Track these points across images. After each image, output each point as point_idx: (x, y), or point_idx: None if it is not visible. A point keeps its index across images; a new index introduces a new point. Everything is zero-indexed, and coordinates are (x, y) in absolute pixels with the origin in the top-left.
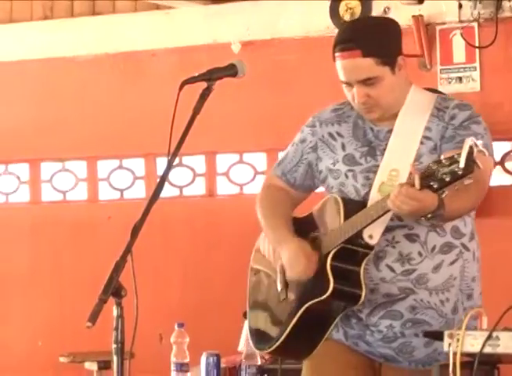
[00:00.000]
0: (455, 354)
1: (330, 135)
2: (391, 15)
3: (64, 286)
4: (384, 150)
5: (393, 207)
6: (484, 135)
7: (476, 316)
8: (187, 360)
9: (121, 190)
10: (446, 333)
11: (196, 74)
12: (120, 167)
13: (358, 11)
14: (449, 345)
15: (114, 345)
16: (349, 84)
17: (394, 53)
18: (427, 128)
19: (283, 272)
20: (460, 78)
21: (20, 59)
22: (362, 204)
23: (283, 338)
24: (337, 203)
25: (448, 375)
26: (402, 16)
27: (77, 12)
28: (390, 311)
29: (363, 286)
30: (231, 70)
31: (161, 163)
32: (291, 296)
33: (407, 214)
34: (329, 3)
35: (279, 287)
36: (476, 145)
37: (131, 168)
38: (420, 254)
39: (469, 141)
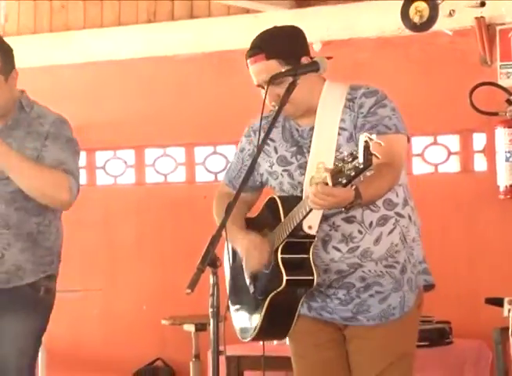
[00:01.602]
0: None
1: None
2: (455, 17)
3: (166, 257)
4: (310, 146)
5: (313, 206)
6: (392, 115)
7: None
8: None
9: (215, 173)
10: (506, 299)
11: (283, 70)
12: (215, 152)
13: (426, 13)
14: (509, 310)
15: (210, 309)
16: (262, 87)
17: (298, 55)
18: (342, 120)
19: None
20: None
21: (127, 57)
22: (298, 199)
23: (258, 327)
24: (276, 202)
25: (508, 337)
26: (466, 18)
27: (177, 16)
28: (343, 283)
29: (314, 271)
30: (314, 66)
31: None
32: (258, 289)
33: (326, 208)
34: (400, 6)
35: (248, 282)
36: (370, 139)
37: (224, 154)
38: (359, 232)
39: (363, 137)
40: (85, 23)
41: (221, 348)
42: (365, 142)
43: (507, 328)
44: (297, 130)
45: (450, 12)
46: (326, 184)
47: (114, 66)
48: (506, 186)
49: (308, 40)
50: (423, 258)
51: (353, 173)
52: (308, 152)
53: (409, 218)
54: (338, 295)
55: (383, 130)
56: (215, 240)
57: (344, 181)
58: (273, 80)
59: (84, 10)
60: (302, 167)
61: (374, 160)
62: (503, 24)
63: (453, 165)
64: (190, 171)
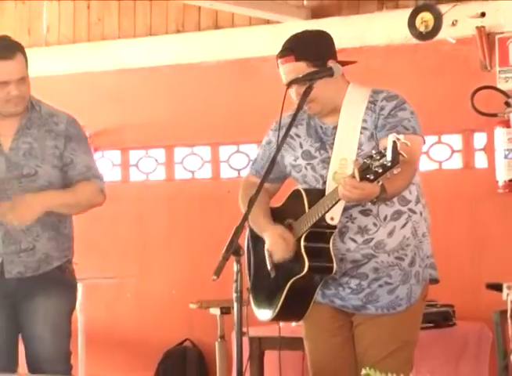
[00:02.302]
0: None
1: (290, 136)
2: (458, 26)
3: (194, 246)
4: (333, 143)
5: (342, 197)
6: (411, 118)
7: None
8: None
9: (238, 170)
10: (505, 285)
11: (301, 75)
12: (238, 151)
13: (431, 24)
14: (508, 295)
15: (234, 294)
16: (290, 86)
17: (325, 57)
18: (364, 120)
19: (270, 254)
20: None
21: (158, 65)
22: (321, 192)
23: (278, 309)
24: (301, 194)
25: (507, 320)
26: (468, 28)
27: (203, 26)
28: (358, 273)
29: (334, 259)
30: (329, 72)
31: None
32: (279, 274)
33: (354, 201)
34: (407, 17)
35: (269, 267)
36: (398, 139)
37: (246, 152)
38: (374, 224)
39: (391, 137)
40: (119, 33)
41: (244, 329)
42: (394, 142)
43: (506, 311)
44: (321, 127)
45: (453, 22)
46: (354, 178)
47: (146, 72)
48: (505, 181)
49: None
50: (431, 253)
51: (381, 170)
52: (331, 148)
53: (421, 214)
54: (350, 285)
55: (402, 131)
56: (239, 230)
57: (372, 177)
58: (292, 84)
59: (119, 22)
60: (325, 161)
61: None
62: (502, 33)
63: (456, 162)
64: (215, 168)
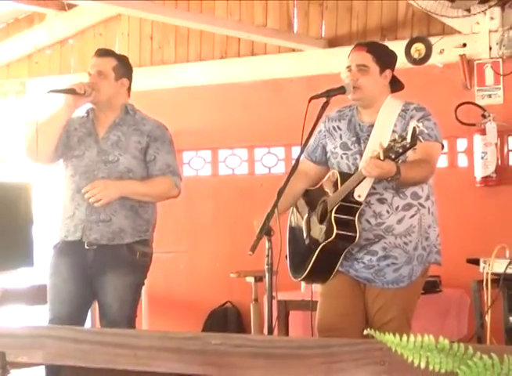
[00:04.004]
0: (487, 273)
1: (333, 128)
2: (444, 54)
3: (234, 229)
4: (366, 139)
5: (365, 173)
6: (434, 127)
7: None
8: None
9: (269, 168)
10: (481, 260)
11: (319, 92)
12: (269, 152)
13: (423, 52)
14: (483, 267)
15: (266, 266)
16: (349, 69)
17: (386, 64)
18: (395, 124)
19: (307, 224)
20: (490, 95)
21: (206, 84)
22: (351, 175)
23: (308, 269)
24: (336, 175)
25: (483, 288)
26: (453, 55)
27: (242, 53)
28: (370, 250)
29: (357, 230)
30: (341, 90)
31: (296, 150)
32: (313, 240)
33: (373, 177)
34: (404, 46)
35: (305, 235)
36: (418, 126)
37: (275, 153)
38: (387, 211)
39: (412, 123)
40: (176, 59)
41: (273, 294)
42: (414, 127)
43: (482, 281)
44: (359, 125)
45: (441, 51)
46: (379, 158)
47: (197, 90)
48: (482, 178)
49: (336, 71)
50: (438, 242)
51: (400, 150)
52: (364, 143)
53: (428, 209)
54: (364, 260)
55: (426, 137)
56: (270, 215)
57: (393, 156)
58: (313, 99)
59: (175, 50)
60: (358, 153)
61: (418, 152)
62: (480, 60)
63: (443, 162)
64: (251, 166)
